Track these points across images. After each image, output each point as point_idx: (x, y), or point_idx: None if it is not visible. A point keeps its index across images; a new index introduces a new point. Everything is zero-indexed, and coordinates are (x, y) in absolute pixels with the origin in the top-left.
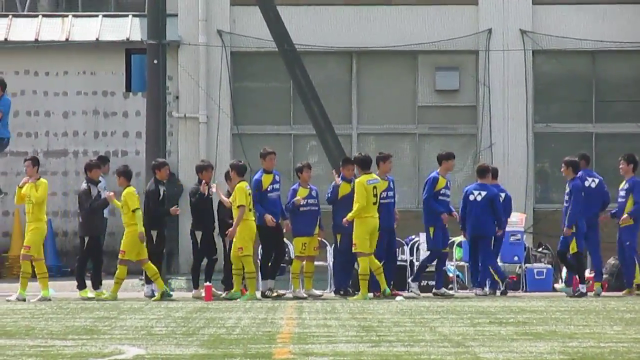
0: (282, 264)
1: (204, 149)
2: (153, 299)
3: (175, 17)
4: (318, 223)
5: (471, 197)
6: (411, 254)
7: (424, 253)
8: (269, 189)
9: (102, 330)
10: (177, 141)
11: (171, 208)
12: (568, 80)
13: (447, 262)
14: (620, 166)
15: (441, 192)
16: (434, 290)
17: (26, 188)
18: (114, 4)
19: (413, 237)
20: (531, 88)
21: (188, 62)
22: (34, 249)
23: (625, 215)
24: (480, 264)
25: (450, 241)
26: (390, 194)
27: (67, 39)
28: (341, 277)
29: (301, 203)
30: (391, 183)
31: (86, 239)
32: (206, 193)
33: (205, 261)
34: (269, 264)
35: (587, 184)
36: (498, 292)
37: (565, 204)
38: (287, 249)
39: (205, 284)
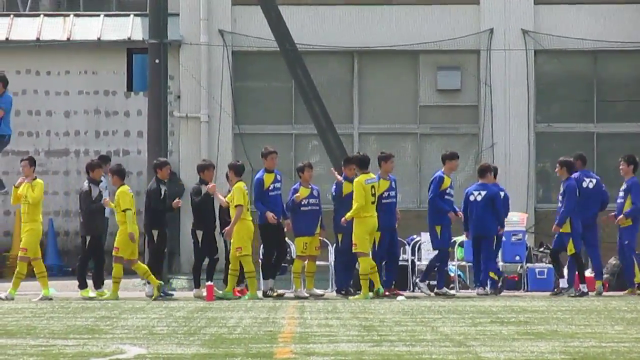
0: (283, 264)
1: (205, 149)
2: (152, 297)
3: (176, 17)
4: (319, 223)
5: (471, 198)
6: (412, 254)
7: (425, 252)
8: (270, 188)
9: (104, 329)
10: (178, 141)
11: (173, 202)
12: (569, 80)
13: (448, 262)
14: (621, 167)
15: (446, 191)
16: (435, 289)
17: (22, 188)
18: (115, 4)
19: (414, 236)
20: (533, 88)
21: (189, 62)
22: (31, 250)
23: (621, 216)
24: (482, 264)
25: (452, 241)
26: (392, 193)
27: (68, 39)
28: (342, 277)
29: (301, 201)
30: (393, 183)
31: (88, 239)
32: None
33: (206, 261)
34: (271, 263)
35: (584, 184)
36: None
37: (559, 204)
38: (288, 249)
39: (206, 283)
